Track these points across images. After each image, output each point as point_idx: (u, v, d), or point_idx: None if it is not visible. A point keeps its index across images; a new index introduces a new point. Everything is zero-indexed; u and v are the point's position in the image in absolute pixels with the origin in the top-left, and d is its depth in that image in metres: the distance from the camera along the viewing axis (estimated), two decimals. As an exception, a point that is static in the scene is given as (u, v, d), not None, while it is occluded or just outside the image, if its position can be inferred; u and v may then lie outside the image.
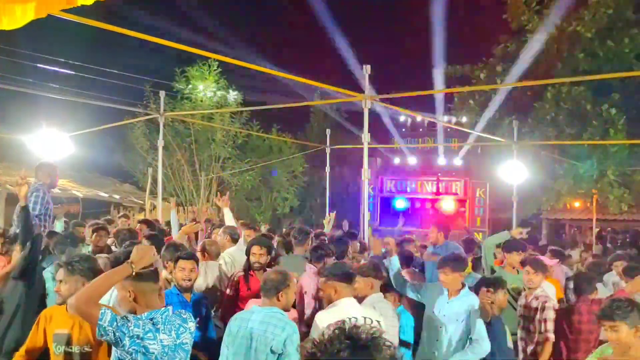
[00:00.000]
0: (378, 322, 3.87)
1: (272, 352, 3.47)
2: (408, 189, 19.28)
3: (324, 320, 3.75)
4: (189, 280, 4.47)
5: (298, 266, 5.89)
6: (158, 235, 6.38)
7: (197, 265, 4.64)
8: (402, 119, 25.02)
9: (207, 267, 5.68)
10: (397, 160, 19.98)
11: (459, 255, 5.16)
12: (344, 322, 1.66)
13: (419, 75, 25.22)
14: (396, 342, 4.18)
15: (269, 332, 3.50)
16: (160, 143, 10.79)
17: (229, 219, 7.59)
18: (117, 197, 18.71)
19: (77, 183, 17.88)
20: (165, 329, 2.81)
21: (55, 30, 18.47)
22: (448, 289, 4.79)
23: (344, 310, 3.79)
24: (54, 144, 12.45)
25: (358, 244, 7.55)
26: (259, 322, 3.57)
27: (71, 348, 3.30)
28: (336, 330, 1.59)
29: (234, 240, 6.73)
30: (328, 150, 14.04)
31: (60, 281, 3.42)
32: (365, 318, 3.80)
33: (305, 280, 5.49)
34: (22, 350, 3.40)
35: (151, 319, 2.82)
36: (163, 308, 2.90)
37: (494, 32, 18.70)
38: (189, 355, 2.97)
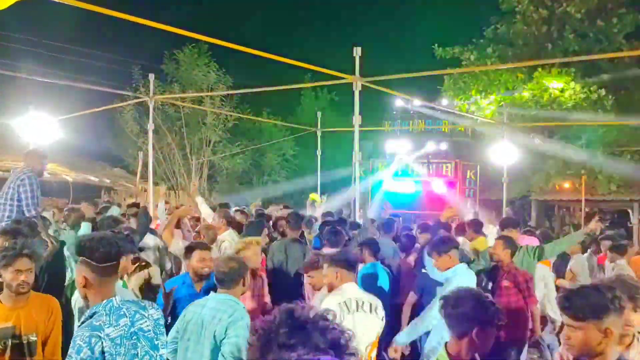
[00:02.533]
0: (376, 306, 3.95)
1: (214, 337, 3.44)
2: (399, 172, 19.33)
3: (331, 304, 3.81)
4: (208, 268, 4.46)
5: (291, 250, 5.94)
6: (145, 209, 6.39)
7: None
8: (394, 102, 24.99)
9: None
10: (388, 143, 20.00)
11: (443, 238, 5.06)
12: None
13: (409, 57, 25.13)
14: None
15: (216, 318, 3.49)
16: (150, 126, 10.73)
17: (204, 207, 7.58)
18: (107, 181, 18.63)
19: (67, 167, 17.76)
20: (110, 320, 2.63)
21: (43, 12, 18.22)
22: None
23: (347, 292, 3.90)
24: (42, 128, 12.36)
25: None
26: (210, 308, 3.56)
27: (17, 340, 3.25)
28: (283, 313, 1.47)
29: (230, 223, 6.73)
30: (319, 133, 14.04)
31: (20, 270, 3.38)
32: (370, 303, 3.92)
33: None
34: None
35: (91, 316, 2.66)
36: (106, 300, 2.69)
37: (484, 13, 18.67)
38: (156, 343, 2.78)
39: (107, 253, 2.69)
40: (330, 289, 4.06)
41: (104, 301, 2.66)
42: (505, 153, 11.77)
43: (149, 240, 5.93)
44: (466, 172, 18.84)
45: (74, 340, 2.51)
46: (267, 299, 5.16)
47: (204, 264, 4.47)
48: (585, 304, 2.31)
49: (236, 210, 7.87)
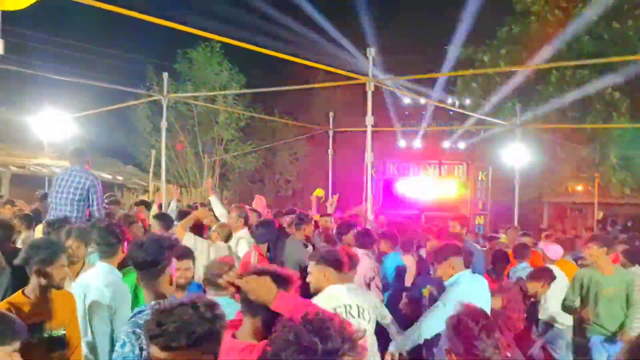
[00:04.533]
0: (364, 310, 3.85)
1: None
2: (410, 172, 19.29)
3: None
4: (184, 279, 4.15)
5: (297, 251, 5.91)
6: (167, 215, 6.43)
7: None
8: (405, 101, 24.91)
9: (216, 249, 5.67)
10: (400, 143, 19.96)
11: (441, 246, 4.89)
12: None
13: (423, 58, 25.04)
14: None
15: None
16: (164, 125, 10.79)
17: (218, 207, 7.52)
18: (120, 178, 18.77)
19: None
20: None
21: (59, 11, 18.39)
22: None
23: (335, 297, 3.77)
24: (57, 125, 12.51)
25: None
26: None
27: (47, 334, 3.31)
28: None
29: (246, 221, 6.65)
30: (331, 133, 14.03)
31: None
32: (358, 306, 3.81)
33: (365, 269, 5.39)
34: None
35: (138, 313, 2.77)
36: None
37: (498, 14, 18.55)
38: None
39: (144, 259, 2.84)
40: (316, 290, 3.85)
41: (153, 302, 2.77)
42: (517, 155, 11.70)
43: None
44: (478, 174, 18.77)
45: (119, 335, 2.60)
46: None
47: (180, 274, 4.05)
48: None
49: (250, 210, 7.89)
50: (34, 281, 3.35)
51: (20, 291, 3.42)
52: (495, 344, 2.39)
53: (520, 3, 17.29)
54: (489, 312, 4.14)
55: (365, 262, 5.38)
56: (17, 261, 3.49)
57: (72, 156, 6.38)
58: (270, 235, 5.76)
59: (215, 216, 7.47)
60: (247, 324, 2.38)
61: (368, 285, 5.46)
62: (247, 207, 7.40)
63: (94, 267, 4.03)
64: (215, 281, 3.68)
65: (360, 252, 5.50)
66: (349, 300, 3.79)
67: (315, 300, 3.81)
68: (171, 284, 2.94)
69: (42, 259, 3.34)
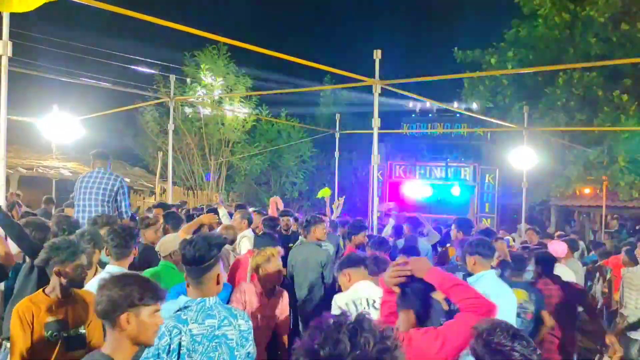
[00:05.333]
0: None
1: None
2: (417, 175, 19.27)
3: (340, 301, 3.88)
4: None
5: (310, 252, 5.95)
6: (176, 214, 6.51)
7: None
8: (411, 104, 24.92)
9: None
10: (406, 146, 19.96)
11: (473, 240, 4.84)
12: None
13: (429, 60, 25.05)
14: None
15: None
16: (171, 127, 10.83)
17: (226, 219, 7.58)
18: (127, 180, 18.83)
19: (88, 166, 17.99)
20: (197, 317, 2.84)
21: (67, 13, 18.50)
22: None
23: (359, 291, 3.90)
24: (65, 127, 12.56)
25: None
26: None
27: (67, 332, 3.34)
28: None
29: (250, 223, 6.88)
30: (337, 135, 14.04)
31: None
32: (374, 299, 3.84)
33: None
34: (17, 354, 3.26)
35: (184, 308, 2.89)
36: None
37: (505, 16, 18.52)
38: (235, 354, 2.91)
39: (192, 256, 2.89)
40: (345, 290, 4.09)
41: (199, 299, 2.85)
42: (525, 157, 11.65)
43: None
44: (485, 176, 18.72)
45: (161, 327, 2.62)
46: (285, 314, 4.67)
47: None
48: None
49: (254, 211, 7.91)
50: (53, 281, 3.39)
51: (40, 290, 3.46)
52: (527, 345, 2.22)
53: (527, 6, 17.23)
54: (514, 316, 4.22)
55: None
56: (37, 262, 3.53)
57: (96, 159, 6.52)
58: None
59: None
60: (402, 318, 2.63)
61: None
62: (252, 209, 7.46)
63: (104, 270, 4.04)
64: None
65: None
66: (374, 294, 3.84)
67: (340, 294, 3.92)
68: (219, 283, 2.98)
69: (62, 259, 3.37)
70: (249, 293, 4.40)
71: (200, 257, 2.89)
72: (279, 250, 4.79)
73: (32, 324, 3.28)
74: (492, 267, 4.45)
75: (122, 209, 6.27)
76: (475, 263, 4.29)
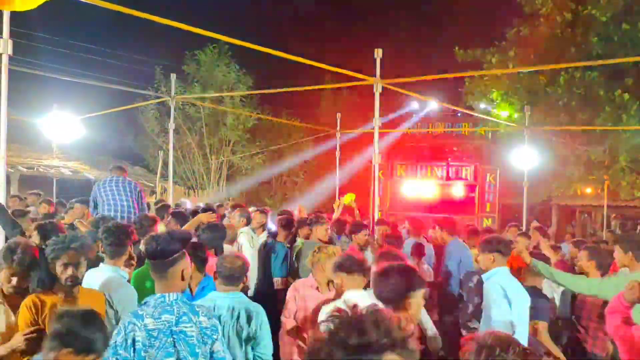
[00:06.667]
0: None
1: (248, 338, 3.49)
2: (418, 174, 19.24)
3: (325, 310, 3.77)
4: None
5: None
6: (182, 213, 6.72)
7: None
8: (416, 105, 24.84)
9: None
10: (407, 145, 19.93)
11: (492, 238, 4.70)
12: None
13: (430, 59, 25.01)
14: None
15: (241, 319, 3.51)
16: (171, 126, 10.81)
17: None
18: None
19: (89, 165, 18.00)
20: (153, 312, 2.80)
21: (67, 12, 18.49)
22: None
23: (349, 301, 3.72)
24: (65, 126, 12.57)
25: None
26: (226, 309, 3.55)
27: None
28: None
29: (249, 222, 7.01)
30: (338, 135, 14.02)
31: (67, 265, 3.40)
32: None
33: None
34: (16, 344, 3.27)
35: (143, 304, 2.88)
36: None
37: (506, 15, 18.48)
38: (197, 351, 2.85)
39: (154, 250, 2.87)
40: (338, 294, 3.90)
41: (159, 294, 2.83)
42: (526, 157, 11.63)
43: None
44: (486, 176, 18.69)
45: (119, 323, 2.65)
46: None
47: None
48: None
49: (256, 211, 7.89)
50: (60, 277, 3.39)
51: (48, 287, 3.47)
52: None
53: (528, 5, 17.20)
54: (527, 313, 4.24)
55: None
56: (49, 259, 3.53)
57: (115, 170, 7.55)
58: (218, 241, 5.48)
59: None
60: None
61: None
62: (252, 208, 7.52)
63: (98, 268, 4.03)
64: (226, 274, 3.68)
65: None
66: (364, 303, 3.72)
67: (328, 306, 3.83)
68: (184, 279, 2.93)
69: (53, 257, 3.38)
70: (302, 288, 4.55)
71: (162, 251, 2.85)
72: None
73: (38, 319, 3.28)
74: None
75: (144, 205, 7.30)
76: (495, 261, 4.36)
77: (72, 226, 5.36)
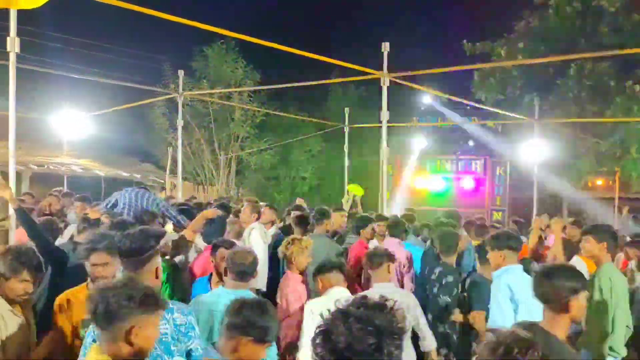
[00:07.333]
0: None
1: None
2: (427, 168, 19.19)
3: (316, 308, 3.81)
4: None
5: (322, 245, 5.95)
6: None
7: None
8: (428, 99, 24.60)
9: None
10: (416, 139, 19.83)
11: (502, 233, 4.54)
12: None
13: (438, 52, 24.89)
14: None
15: None
16: (180, 122, 10.85)
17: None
18: (137, 176, 18.92)
19: (99, 162, 18.10)
20: None
21: (75, 10, 18.57)
22: None
23: (333, 296, 3.76)
24: (75, 123, 12.65)
25: None
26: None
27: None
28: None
29: (259, 217, 6.84)
30: (347, 129, 14.01)
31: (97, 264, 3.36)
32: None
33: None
34: (46, 342, 3.34)
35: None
36: None
37: (515, 7, 18.32)
38: (172, 349, 2.78)
39: (128, 247, 2.81)
40: (323, 292, 4.07)
41: None
42: (536, 150, 11.57)
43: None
44: (496, 169, 18.60)
45: None
46: None
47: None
48: None
49: (266, 206, 7.89)
50: (93, 275, 3.38)
51: (84, 284, 3.45)
52: None
53: (538, -4, 17.04)
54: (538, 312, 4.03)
55: (399, 251, 5.53)
56: (80, 257, 3.54)
57: (136, 187, 7.54)
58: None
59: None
60: None
61: (401, 275, 5.50)
62: (262, 204, 7.48)
63: None
64: (237, 270, 3.64)
65: (393, 241, 5.60)
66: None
67: (316, 300, 3.90)
68: (157, 276, 2.89)
69: (83, 257, 3.39)
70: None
71: (135, 249, 2.81)
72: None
73: (70, 318, 3.27)
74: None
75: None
76: (505, 258, 4.14)
77: (98, 221, 5.32)
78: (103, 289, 2.27)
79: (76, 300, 3.30)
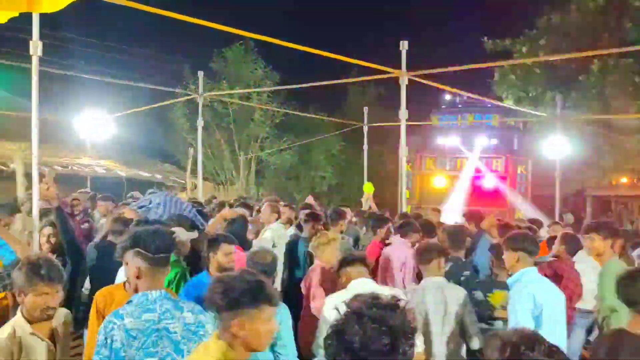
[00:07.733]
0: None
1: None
2: (447, 167, 19.05)
3: (335, 301, 3.73)
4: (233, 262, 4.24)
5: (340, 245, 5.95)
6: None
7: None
8: (448, 97, 24.44)
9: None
10: (436, 138, 19.71)
11: (519, 234, 4.41)
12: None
13: (458, 50, 24.70)
14: None
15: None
16: (200, 123, 10.93)
17: None
18: (159, 176, 19.11)
19: (120, 163, 18.32)
20: (134, 311, 2.69)
21: (97, 13, 18.83)
22: None
23: (354, 290, 3.65)
24: (98, 125, 12.84)
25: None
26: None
27: None
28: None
29: (278, 217, 6.89)
30: (366, 129, 13.98)
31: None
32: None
33: (395, 252, 5.56)
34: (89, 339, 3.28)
35: (128, 303, 2.75)
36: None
37: (536, 3, 18.09)
38: (181, 347, 2.74)
39: (160, 245, 2.79)
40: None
41: (142, 292, 2.72)
42: (558, 147, 11.41)
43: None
44: (517, 167, 18.40)
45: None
46: None
47: (229, 258, 4.17)
48: None
49: (285, 206, 7.90)
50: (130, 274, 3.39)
51: (122, 282, 3.48)
52: None
53: (559, -9, 16.82)
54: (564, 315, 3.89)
55: (403, 249, 5.50)
56: (117, 255, 3.52)
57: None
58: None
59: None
60: None
61: (400, 271, 5.48)
62: (282, 203, 7.50)
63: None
64: (257, 270, 3.64)
65: (398, 239, 5.58)
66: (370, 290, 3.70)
67: (335, 294, 3.86)
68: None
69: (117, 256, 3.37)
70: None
71: (167, 247, 2.82)
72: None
73: (104, 316, 3.18)
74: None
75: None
76: (519, 260, 3.93)
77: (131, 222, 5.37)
78: (224, 278, 2.36)
79: (115, 299, 3.33)
